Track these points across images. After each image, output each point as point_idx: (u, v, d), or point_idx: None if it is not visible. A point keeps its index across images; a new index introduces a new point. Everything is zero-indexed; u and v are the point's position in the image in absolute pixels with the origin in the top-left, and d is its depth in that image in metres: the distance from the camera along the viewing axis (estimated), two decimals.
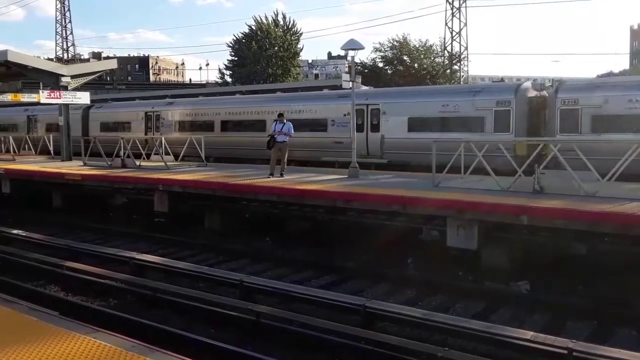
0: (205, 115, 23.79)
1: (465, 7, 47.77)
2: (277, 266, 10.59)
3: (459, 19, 47.75)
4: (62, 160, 20.85)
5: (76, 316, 5.90)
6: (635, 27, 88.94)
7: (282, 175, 14.01)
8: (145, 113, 25.82)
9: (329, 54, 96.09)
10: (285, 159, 14.46)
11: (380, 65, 48.73)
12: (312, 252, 11.51)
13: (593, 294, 8.55)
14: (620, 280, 8.58)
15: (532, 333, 6.11)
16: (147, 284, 8.67)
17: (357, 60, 14.95)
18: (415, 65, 46.61)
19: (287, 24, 55.17)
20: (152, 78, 77.36)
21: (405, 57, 47.15)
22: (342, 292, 8.64)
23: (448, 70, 47.60)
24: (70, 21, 70.73)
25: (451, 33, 47.86)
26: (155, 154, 18.51)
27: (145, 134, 24.24)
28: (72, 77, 21.24)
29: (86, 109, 27.39)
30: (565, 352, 5.63)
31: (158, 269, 9.76)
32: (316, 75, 78.10)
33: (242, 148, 21.53)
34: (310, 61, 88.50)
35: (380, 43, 49.67)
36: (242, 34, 54.19)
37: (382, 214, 11.37)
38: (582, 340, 6.09)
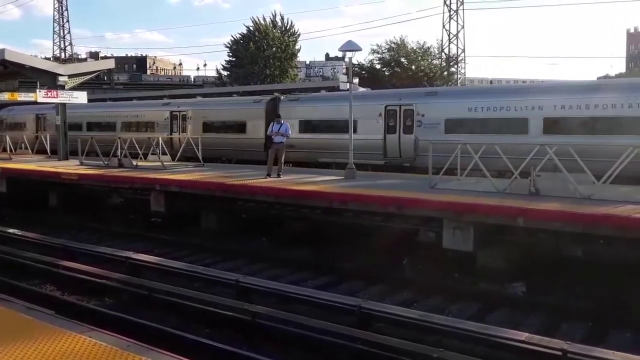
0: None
1: (463, 9, 48.05)
2: (273, 267, 10.59)
3: (457, 21, 47.98)
4: (59, 160, 20.81)
5: (72, 315, 5.89)
6: (632, 30, 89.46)
7: (279, 175, 14.02)
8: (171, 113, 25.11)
9: (327, 55, 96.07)
10: (282, 160, 14.48)
11: (378, 67, 48.79)
12: (308, 252, 11.52)
13: (588, 295, 8.58)
14: (616, 282, 8.62)
15: (527, 334, 6.13)
16: (143, 284, 8.66)
17: (354, 61, 15.09)
18: (413, 67, 46.67)
19: (285, 25, 55.23)
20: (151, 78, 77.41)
21: (402, 59, 47.19)
22: (338, 292, 8.65)
23: (445, 72, 47.72)
24: (68, 20, 70.75)
25: (448, 35, 48.08)
26: (152, 154, 18.49)
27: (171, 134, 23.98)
28: (70, 76, 21.22)
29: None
30: (560, 353, 5.65)
31: (154, 268, 9.76)
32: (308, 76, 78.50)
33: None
34: (307, 62, 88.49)
35: (377, 45, 49.83)
36: (240, 34, 54.22)
37: (378, 215, 11.40)
38: (577, 342, 6.12)
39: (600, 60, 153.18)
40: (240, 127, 22.56)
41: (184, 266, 9.64)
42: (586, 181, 10.44)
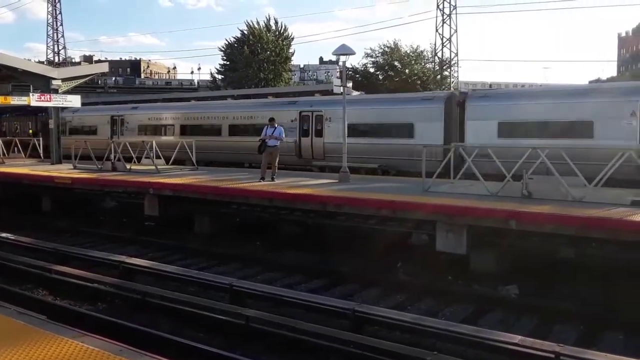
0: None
1: (456, 13, 48.39)
2: (267, 270, 10.58)
3: (450, 25, 48.25)
4: (52, 164, 20.73)
5: (64, 320, 5.86)
6: (623, 34, 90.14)
7: (273, 179, 14.03)
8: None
9: (321, 59, 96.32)
10: (277, 163, 14.49)
11: (372, 70, 48.94)
12: (302, 256, 11.52)
13: (581, 298, 8.62)
14: (608, 284, 8.67)
15: (520, 337, 6.15)
16: (137, 288, 8.63)
17: (348, 65, 14.94)
18: (406, 70, 46.83)
19: (279, 28, 55.27)
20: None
21: (396, 63, 47.35)
22: (332, 296, 8.66)
23: (439, 76, 47.92)
24: (61, 24, 70.65)
25: (441, 39, 48.34)
26: (146, 157, 18.45)
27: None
28: (63, 80, 21.15)
29: None
30: (553, 356, 5.67)
31: (147, 272, 9.72)
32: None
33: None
34: (302, 66, 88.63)
35: (371, 49, 49.96)
36: (234, 38, 54.23)
37: (372, 219, 11.42)
38: (569, 344, 6.15)
39: (592, 64, 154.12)
40: (404, 130, 18.20)
41: (177, 270, 9.60)
42: (578, 184, 10.50)
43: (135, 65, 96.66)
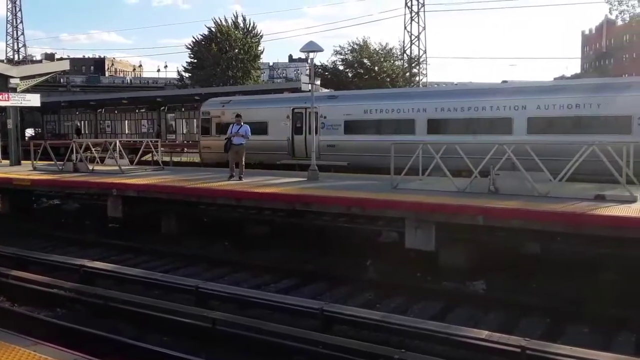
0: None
1: (424, 11, 48.80)
2: (235, 271, 10.40)
3: (418, 23, 48.63)
4: (11, 165, 20.01)
5: (22, 328, 5.61)
6: (587, 32, 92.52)
7: (241, 178, 13.83)
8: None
9: (290, 56, 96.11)
10: (243, 162, 14.29)
11: (341, 68, 49.03)
12: (271, 255, 11.37)
13: (547, 292, 8.72)
14: (573, 277, 8.81)
15: (487, 332, 6.17)
16: (98, 293, 8.35)
17: (317, 63, 14.98)
18: (376, 68, 47.08)
19: (247, 26, 54.86)
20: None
21: (365, 60, 47.55)
22: (301, 296, 8.56)
23: (407, 74, 48.32)
24: (21, 21, 68.59)
25: (410, 37, 48.69)
26: (109, 157, 17.98)
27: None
28: (22, 78, 20.45)
29: None
30: (519, 350, 5.70)
31: (110, 276, 9.43)
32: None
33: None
34: (271, 64, 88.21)
35: (340, 46, 50.10)
36: (202, 35, 53.63)
37: (341, 217, 11.36)
38: (535, 338, 6.19)
39: (556, 61, 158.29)
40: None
41: (141, 273, 9.35)
42: (544, 179, 10.65)
43: (99, 63, 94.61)
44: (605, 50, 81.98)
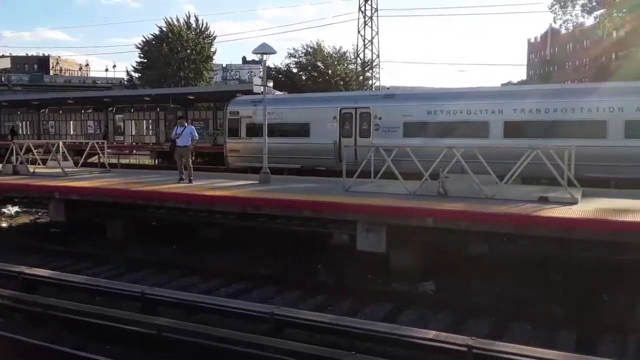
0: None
1: (377, 16, 49.38)
2: (184, 275, 10.15)
3: (371, 27, 49.21)
4: None
5: None
6: (532, 40, 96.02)
7: (190, 181, 13.54)
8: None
9: (244, 58, 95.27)
10: (190, 164, 13.99)
11: (295, 70, 49.03)
12: (221, 259, 11.17)
13: (493, 291, 8.93)
14: (518, 277, 9.06)
15: (434, 332, 6.23)
16: (37, 301, 7.94)
17: (271, 65, 14.87)
18: (329, 71, 47.32)
19: (200, 26, 54.08)
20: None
21: (319, 63, 47.72)
22: (252, 300, 8.43)
23: (361, 77, 48.80)
24: None
25: (364, 41, 49.19)
26: (52, 159, 17.24)
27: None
28: None
29: None
30: (465, 349, 5.79)
31: (52, 283, 8.99)
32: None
33: None
34: (224, 65, 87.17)
35: (294, 49, 50.07)
36: (152, 35, 52.47)
37: (293, 220, 11.28)
38: (481, 337, 6.31)
39: (504, 67, 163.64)
40: None
41: (84, 280, 8.95)
42: (491, 182, 10.93)
43: (43, 61, 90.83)
44: (549, 58, 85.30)
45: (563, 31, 58.84)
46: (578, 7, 31.48)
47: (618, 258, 8.51)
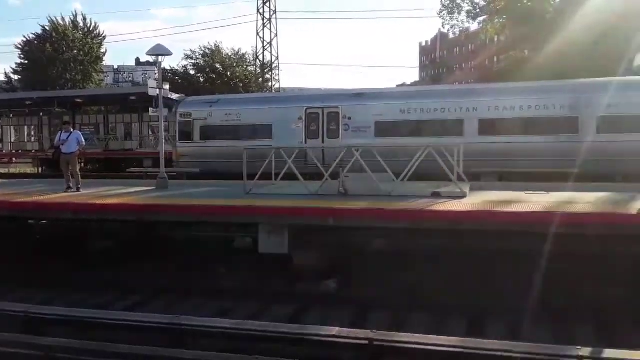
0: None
1: (276, 18, 49.68)
2: (73, 291, 9.48)
3: (270, 29, 49.31)
4: None
5: None
6: (424, 44, 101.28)
7: (78, 189, 12.67)
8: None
9: (137, 60, 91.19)
10: (78, 172, 13.11)
11: (192, 72, 47.87)
12: (115, 272, 10.55)
13: (392, 285, 9.24)
14: (415, 270, 9.44)
15: (337, 329, 6.32)
16: None
17: (167, 67, 14.37)
18: (228, 73, 46.71)
19: (88, 26, 51.00)
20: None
21: (217, 65, 46.96)
22: (150, 311, 8.03)
23: (260, 79, 48.71)
24: None
25: (262, 43, 49.15)
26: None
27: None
28: None
29: None
30: (367, 342, 5.94)
31: None
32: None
33: None
34: (116, 67, 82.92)
35: (192, 50, 48.86)
36: (34, 34, 48.64)
37: (193, 226, 10.94)
38: (382, 330, 6.50)
39: (399, 69, 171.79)
40: None
41: None
42: (388, 180, 11.32)
43: None
44: (439, 61, 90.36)
45: (451, 35, 62.65)
46: (464, 14, 33.84)
47: (505, 247, 9.14)
